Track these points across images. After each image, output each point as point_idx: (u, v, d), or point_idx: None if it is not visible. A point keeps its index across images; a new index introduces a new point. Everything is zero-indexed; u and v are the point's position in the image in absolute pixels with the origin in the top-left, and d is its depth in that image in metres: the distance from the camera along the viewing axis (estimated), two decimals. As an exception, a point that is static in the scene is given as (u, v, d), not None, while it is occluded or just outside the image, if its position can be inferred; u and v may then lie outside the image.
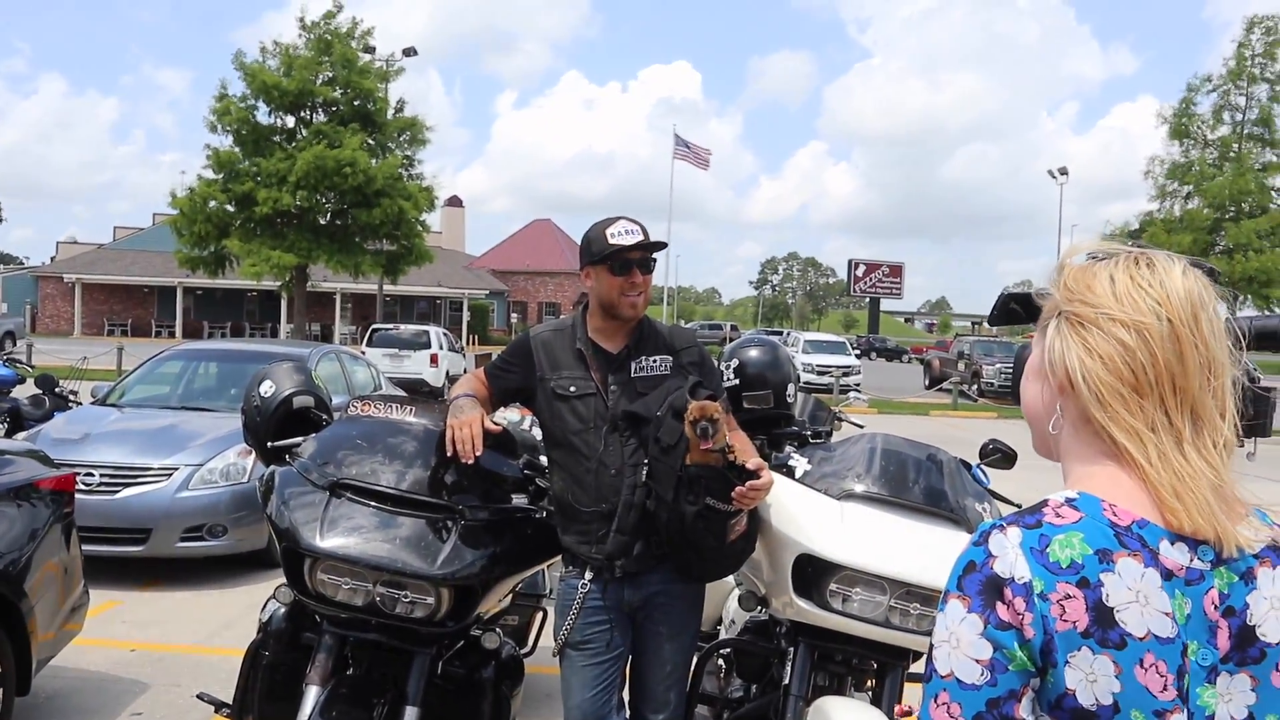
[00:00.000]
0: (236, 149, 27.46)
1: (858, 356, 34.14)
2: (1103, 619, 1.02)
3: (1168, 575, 1.05)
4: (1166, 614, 1.04)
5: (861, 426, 5.33)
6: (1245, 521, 1.10)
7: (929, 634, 2.83)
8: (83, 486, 6.22)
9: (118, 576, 6.36)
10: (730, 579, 3.87)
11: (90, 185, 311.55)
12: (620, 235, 2.83)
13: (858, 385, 27.00)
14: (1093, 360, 1.11)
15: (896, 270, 72.57)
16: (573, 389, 2.87)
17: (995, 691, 1.03)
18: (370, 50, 29.42)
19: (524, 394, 2.96)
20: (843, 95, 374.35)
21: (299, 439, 3.14)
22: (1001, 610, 1.04)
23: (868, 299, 74.87)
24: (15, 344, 28.46)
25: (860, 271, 71.99)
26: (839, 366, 27.76)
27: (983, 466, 3.41)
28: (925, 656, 1.11)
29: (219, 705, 3.26)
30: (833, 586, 2.81)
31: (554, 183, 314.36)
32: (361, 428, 3.07)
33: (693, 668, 3.15)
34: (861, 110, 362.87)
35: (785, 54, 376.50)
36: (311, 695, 2.84)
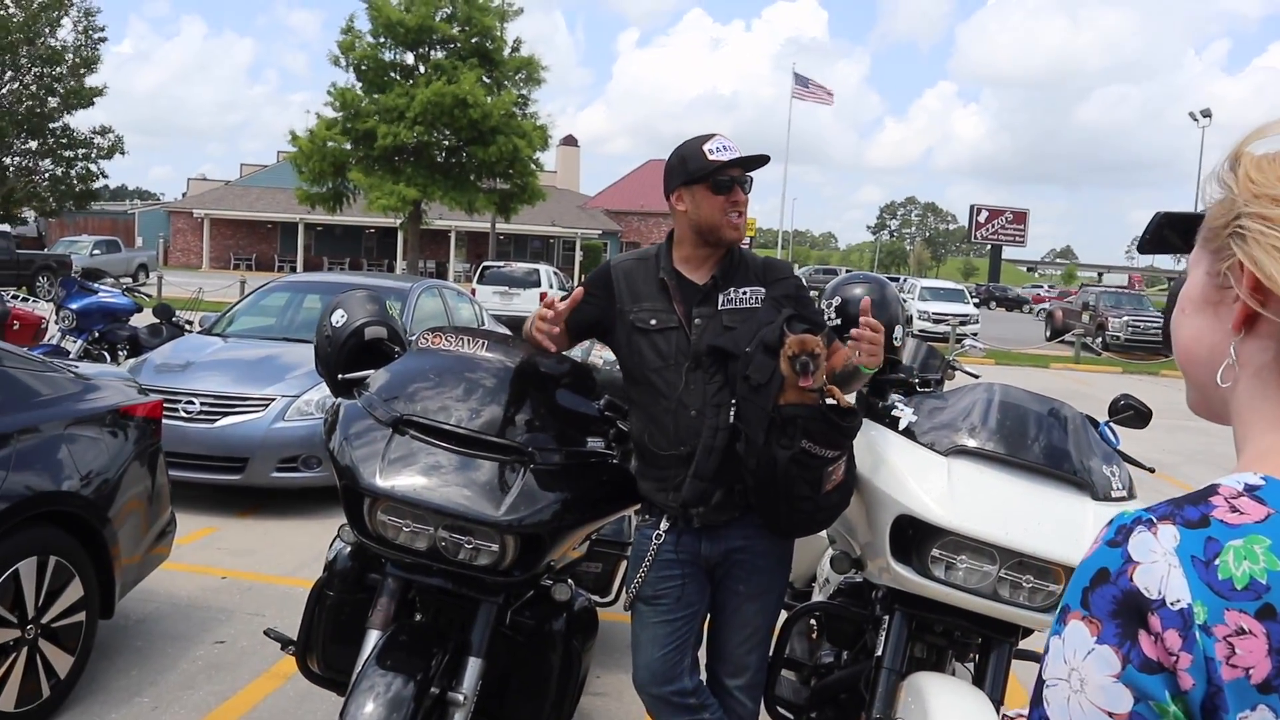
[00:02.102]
0: (359, 85, 27.74)
1: (976, 305, 32.98)
2: None
3: None
4: None
5: (977, 377, 4.95)
6: None
7: (1043, 610, 2.54)
8: (184, 414, 6.31)
9: (216, 504, 6.43)
10: (825, 535, 3.61)
11: (224, 124, 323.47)
12: (719, 151, 2.57)
13: (975, 334, 26.10)
14: None
15: (1020, 217, 69.77)
16: (653, 322, 2.63)
17: None
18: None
19: (602, 327, 2.73)
20: (976, 34, 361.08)
21: (368, 372, 2.99)
22: (1146, 644, 0.74)
23: (989, 246, 72.32)
24: (148, 276, 29.65)
25: (982, 218, 69.43)
26: (956, 315, 26.82)
27: (1112, 424, 3.05)
28: (1033, 694, 0.82)
29: (285, 642, 3.17)
30: (935, 552, 2.53)
31: (674, 124, 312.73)
32: (430, 361, 2.89)
33: (779, 630, 2.92)
34: (995, 50, 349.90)
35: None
36: (372, 639, 2.70)
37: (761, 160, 2.63)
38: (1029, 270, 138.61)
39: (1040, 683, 0.81)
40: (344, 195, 28.70)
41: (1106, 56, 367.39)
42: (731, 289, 2.64)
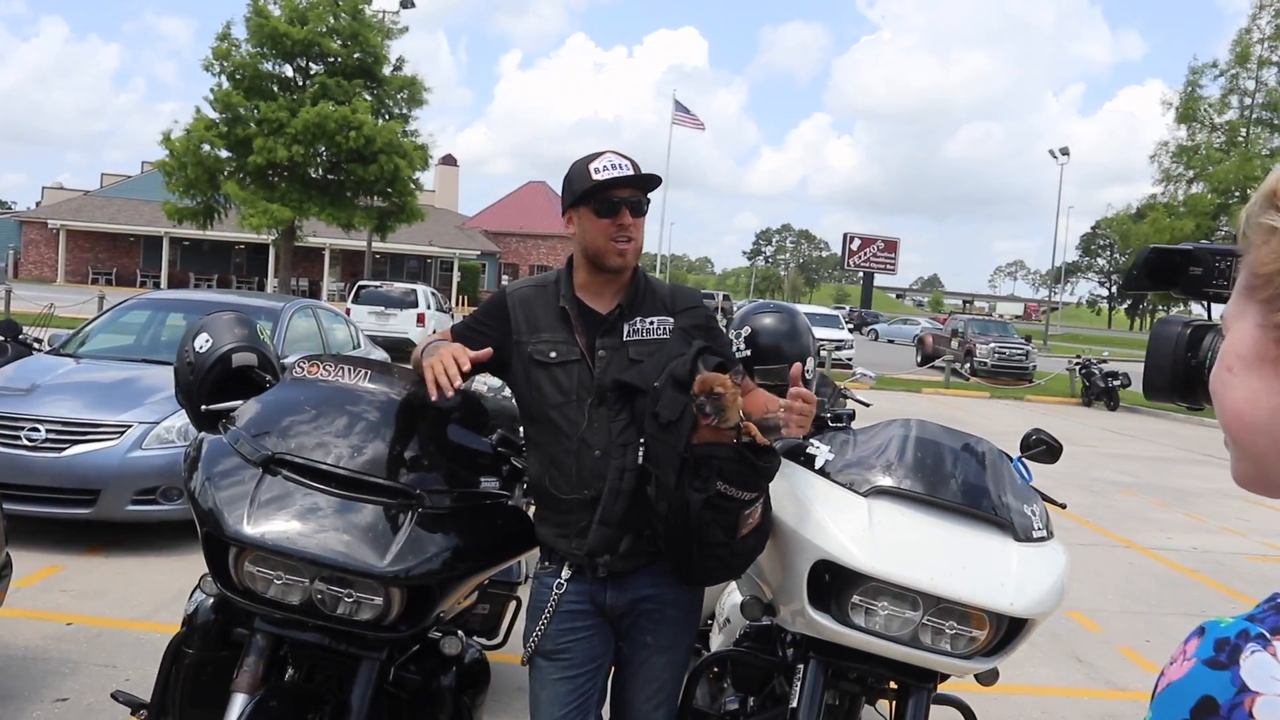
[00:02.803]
0: (236, 92, 26.66)
1: (850, 331, 33.71)
2: None
3: None
4: None
5: (868, 405, 4.89)
6: None
7: (966, 656, 2.42)
8: (27, 442, 5.79)
9: (62, 541, 5.91)
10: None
11: (86, 132, 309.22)
12: (606, 170, 2.36)
13: (850, 359, 26.63)
14: None
15: (891, 245, 72.13)
16: (553, 354, 2.42)
17: None
18: (370, 0, 28.55)
19: (497, 360, 2.51)
20: (851, 69, 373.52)
21: (236, 403, 2.69)
22: None
23: (861, 273, 74.38)
24: (-5, 289, 27.81)
25: (855, 245, 71.51)
26: (831, 340, 27.31)
27: (1024, 460, 2.98)
28: None
29: (137, 706, 2.83)
30: (855, 599, 2.38)
31: (557, 146, 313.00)
32: (306, 393, 2.62)
33: (685, 682, 2.73)
34: (869, 85, 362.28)
35: (798, 24, 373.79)
36: (237, 704, 2.40)
37: (652, 180, 2.45)
38: (898, 297, 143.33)
39: None
40: (215, 210, 27.53)
41: (972, 95, 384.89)
42: (638, 319, 2.46)
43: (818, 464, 2.61)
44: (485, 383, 4.21)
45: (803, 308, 33.99)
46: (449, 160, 62.27)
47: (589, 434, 2.37)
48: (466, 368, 2.28)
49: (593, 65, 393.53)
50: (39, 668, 4.17)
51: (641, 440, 2.34)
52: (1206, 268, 1.33)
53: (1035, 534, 2.53)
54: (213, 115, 26.27)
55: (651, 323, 2.46)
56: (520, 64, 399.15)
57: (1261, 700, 0.60)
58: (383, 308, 21.86)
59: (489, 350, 2.39)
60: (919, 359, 32.16)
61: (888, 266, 72.81)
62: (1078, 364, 23.25)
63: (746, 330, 3.08)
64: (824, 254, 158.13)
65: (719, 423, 2.20)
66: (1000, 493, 2.57)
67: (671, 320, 2.47)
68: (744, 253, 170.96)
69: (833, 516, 2.43)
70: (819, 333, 27.78)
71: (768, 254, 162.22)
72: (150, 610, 4.97)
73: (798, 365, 2.27)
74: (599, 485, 2.36)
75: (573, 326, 2.43)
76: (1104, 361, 23.16)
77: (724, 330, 2.67)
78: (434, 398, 2.28)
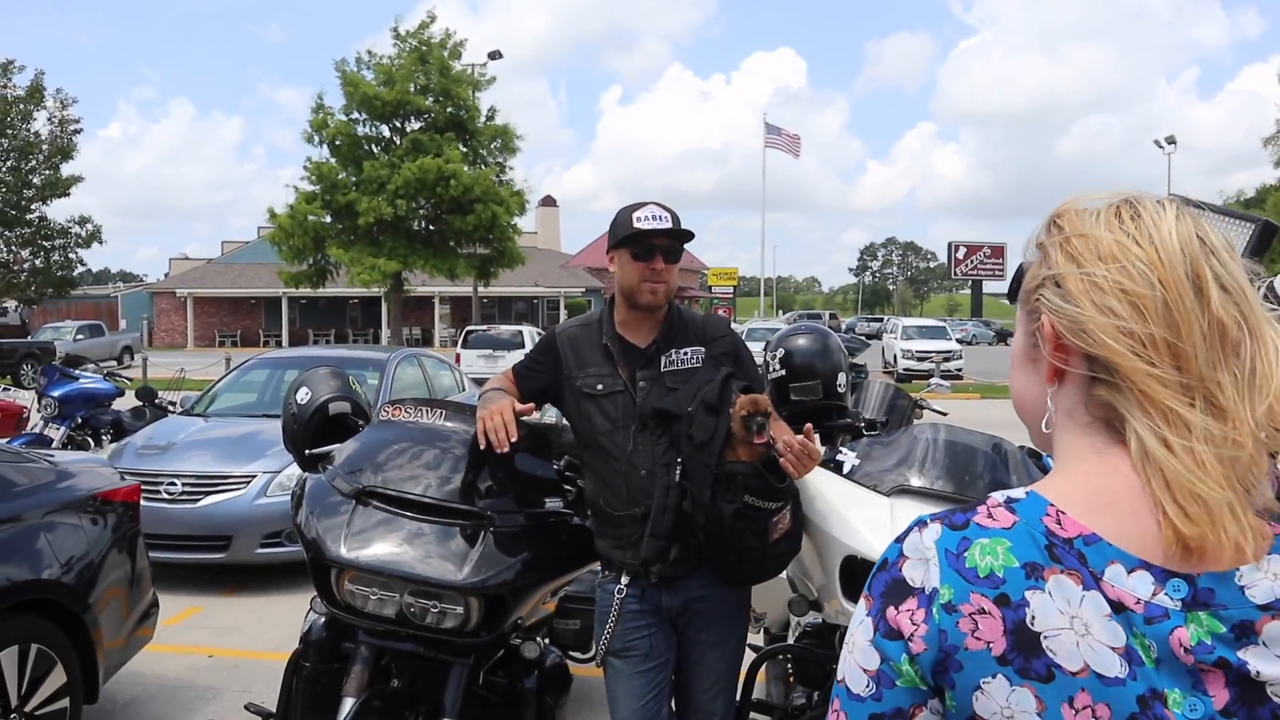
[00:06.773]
0: (333, 160, 28.06)
1: (960, 341, 33.19)
2: (1025, 644, 0.84)
3: (1119, 608, 0.83)
4: (1116, 649, 0.83)
5: (944, 414, 5.04)
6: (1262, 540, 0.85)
7: None
8: (166, 495, 6.38)
9: (200, 583, 6.47)
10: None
11: (212, 203, 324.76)
12: (646, 220, 2.69)
13: (959, 370, 26.33)
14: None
15: (998, 251, 70.60)
16: (600, 386, 2.74)
17: (880, 707, 0.90)
18: (458, 56, 29.70)
19: (552, 394, 2.84)
20: (954, 76, 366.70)
21: (334, 446, 3.09)
22: (892, 616, 0.89)
23: (970, 282, 73.05)
24: (132, 358, 29.68)
25: (960, 254, 70.30)
26: (939, 351, 27.04)
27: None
28: None
29: (265, 715, 3.23)
30: (884, 589, 2.61)
31: (662, 178, 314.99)
32: (392, 433, 2.99)
33: (744, 674, 2.99)
34: (974, 89, 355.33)
35: (898, 36, 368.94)
36: (346, 706, 2.78)
37: (685, 234, 2.74)
38: (1011, 303, 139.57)
39: None
40: (326, 271, 28.87)
41: (1084, 90, 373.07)
42: (673, 350, 2.75)
43: (845, 469, 2.85)
44: (553, 414, 4.56)
45: (909, 321, 33.70)
46: (549, 201, 63.68)
47: (635, 456, 2.67)
48: (514, 436, 2.60)
49: (696, 95, 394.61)
50: (187, 694, 4.66)
51: (679, 459, 2.63)
52: None
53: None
54: (311, 188, 27.67)
55: (685, 353, 2.75)
56: (620, 100, 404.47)
57: (909, 562, 0.91)
58: (491, 350, 22.67)
59: (531, 405, 2.75)
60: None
61: (996, 273, 71.22)
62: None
63: (781, 352, 3.34)
64: (932, 264, 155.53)
65: (767, 439, 2.47)
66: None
67: (703, 350, 2.76)
68: (850, 269, 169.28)
69: (856, 515, 2.67)
70: (926, 345, 27.66)
71: (874, 269, 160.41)
72: (280, 642, 5.43)
73: (809, 426, 2.51)
74: (647, 502, 2.66)
75: (615, 361, 2.75)
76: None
77: (751, 354, 2.92)
78: (481, 447, 2.63)
